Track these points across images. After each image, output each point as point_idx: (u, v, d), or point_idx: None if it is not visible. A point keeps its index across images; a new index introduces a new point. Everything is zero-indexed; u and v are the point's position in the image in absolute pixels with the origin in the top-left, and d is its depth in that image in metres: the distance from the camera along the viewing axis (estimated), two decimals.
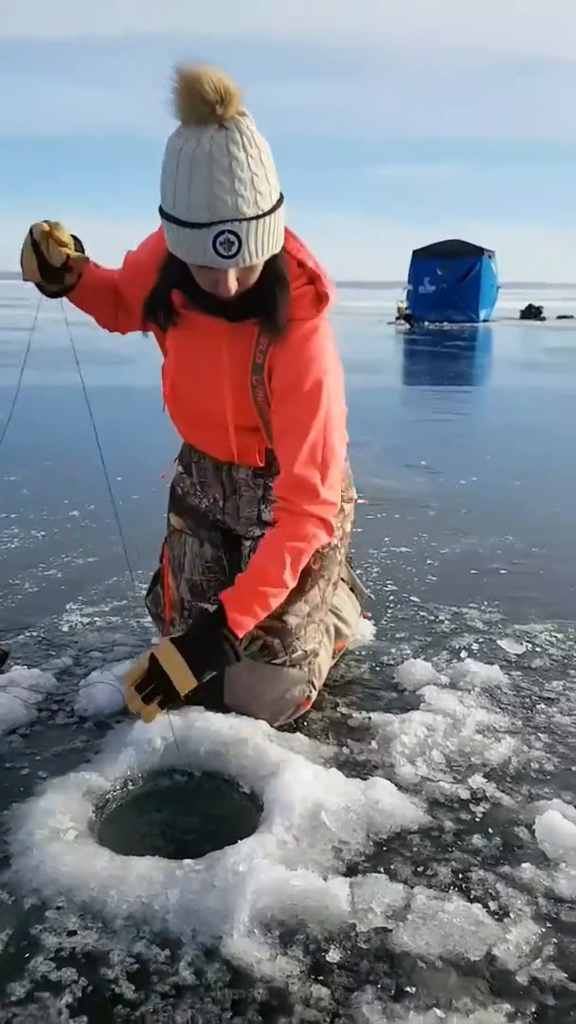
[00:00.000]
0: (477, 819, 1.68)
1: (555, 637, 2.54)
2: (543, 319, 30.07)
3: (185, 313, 1.84)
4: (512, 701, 2.15)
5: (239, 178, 1.50)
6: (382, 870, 1.50)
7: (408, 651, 2.43)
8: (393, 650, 2.44)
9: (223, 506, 2.13)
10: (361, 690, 2.22)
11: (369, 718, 2.03)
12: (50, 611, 2.68)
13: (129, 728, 1.87)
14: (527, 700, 2.16)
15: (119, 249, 1.98)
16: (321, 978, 1.27)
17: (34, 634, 2.51)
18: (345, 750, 1.91)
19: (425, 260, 25.64)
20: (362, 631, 2.52)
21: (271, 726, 1.93)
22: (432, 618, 2.69)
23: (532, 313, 30.58)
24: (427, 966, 1.30)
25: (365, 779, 1.74)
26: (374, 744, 1.92)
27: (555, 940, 1.37)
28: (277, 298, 1.72)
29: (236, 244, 1.55)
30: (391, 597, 2.87)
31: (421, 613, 2.73)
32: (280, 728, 1.96)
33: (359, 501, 2.28)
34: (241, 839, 1.53)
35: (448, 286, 25.13)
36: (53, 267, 1.68)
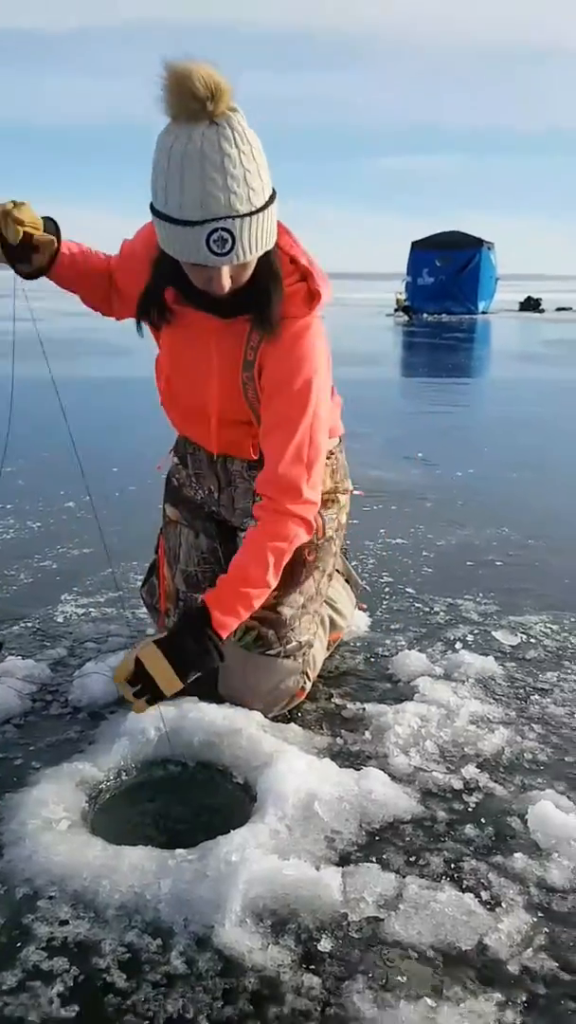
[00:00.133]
0: (470, 809, 1.68)
1: (550, 628, 2.54)
2: (542, 311, 30.00)
3: (178, 309, 1.83)
4: (506, 692, 2.15)
5: (232, 175, 1.49)
6: (374, 860, 1.51)
7: (403, 642, 2.43)
8: (388, 641, 2.44)
9: (218, 498, 2.13)
10: (355, 681, 2.22)
11: (363, 709, 2.04)
12: (45, 602, 2.68)
13: (123, 719, 1.87)
14: (521, 691, 2.16)
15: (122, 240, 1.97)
16: (312, 967, 1.28)
17: (29, 625, 2.51)
18: (339, 740, 1.91)
19: (424, 251, 25.55)
20: (357, 622, 2.52)
21: (265, 717, 1.93)
22: (427, 609, 2.69)
23: (531, 305, 30.51)
24: (418, 955, 1.30)
25: (358, 769, 1.74)
26: (368, 735, 1.92)
27: (546, 930, 1.37)
28: (270, 295, 1.71)
29: (230, 241, 1.54)
30: (387, 588, 2.87)
31: (416, 604, 2.73)
32: (274, 719, 1.96)
33: (355, 493, 2.28)
34: (234, 829, 1.53)
35: (447, 278, 25.05)
36: (12, 246, 1.64)
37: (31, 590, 2.81)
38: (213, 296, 1.67)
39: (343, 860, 1.50)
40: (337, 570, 2.32)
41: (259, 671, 1.98)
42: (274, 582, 1.82)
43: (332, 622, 2.27)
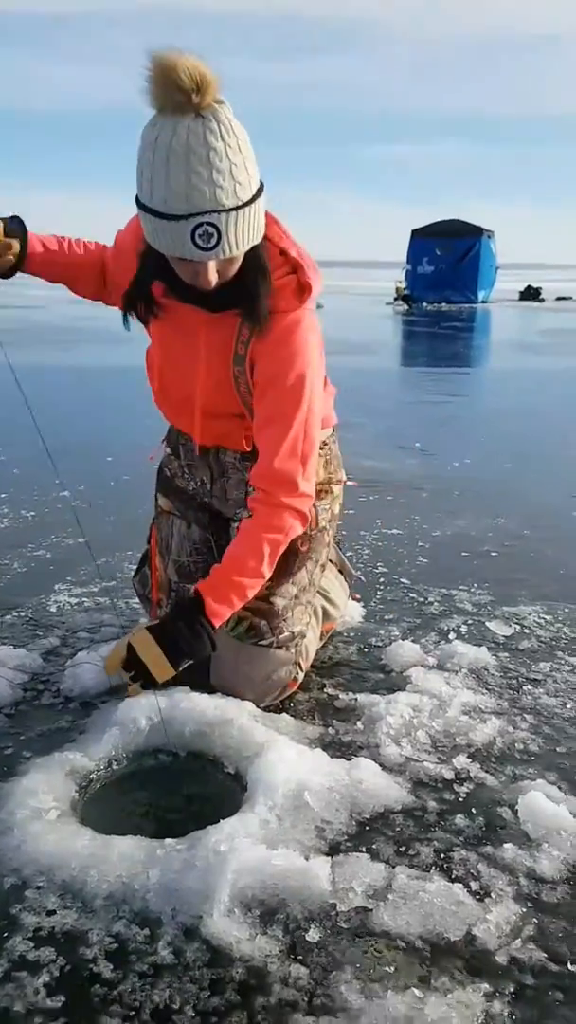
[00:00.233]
0: (460, 799, 1.68)
1: (544, 619, 2.54)
2: (542, 300, 29.91)
3: (167, 302, 1.81)
4: (499, 682, 2.15)
5: (217, 168, 1.47)
6: (364, 850, 1.51)
7: (396, 633, 2.43)
8: (381, 632, 2.44)
9: (210, 488, 2.12)
10: (348, 671, 2.22)
11: (355, 699, 2.03)
12: (38, 591, 2.67)
13: (114, 708, 1.86)
14: (514, 681, 2.16)
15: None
16: (300, 958, 1.28)
17: (21, 614, 2.51)
18: (331, 731, 1.91)
19: (424, 240, 25.47)
20: (351, 613, 2.51)
21: (257, 707, 1.93)
22: (421, 600, 2.69)
23: (531, 294, 30.40)
24: (406, 946, 1.30)
25: (350, 759, 1.74)
26: (359, 725, 1.92)
27: (535, 920, 1.37)
28: (258, 289, 1.70)
29: (215, 236, 1.52)
30: (381, 579, 2.86)
31: (411, 595, 2.73)
32: (266, 709, 1.95)
33: (348, 483, 2.27)
34: (224, 819, 1.52)
35: (447, 266, 24.97)
36: None
37: (24, 579, 2.80)
38: (200, 290, 1.66)
39: (332, 850, 1.50)
40: (330, 560, 2.31)
41: (251, 661, 1.97)
42: (268, 573, 1.82)
43: (325, 612, 2.26)
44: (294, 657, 2.03)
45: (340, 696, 2.06)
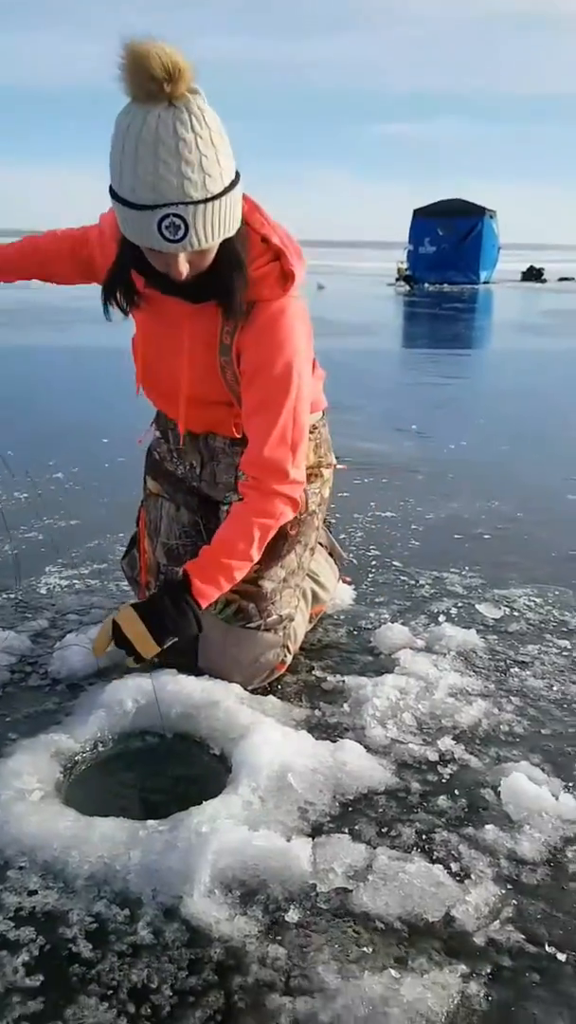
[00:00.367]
0: (444, 781, 1.68)
1: (533, 602, 2.53)
2: (544, 281, 29.71)
3: (148, 293, 1.80)
4: (486, 665, 2.15)
5: (186, 160, 1.45)
6: (346, 831, 1.51)
7: (386, 615, 2.42)
8: (371, 614, 2.44)
9: (200, 473, 2.11)
10: (337, 654, 2.22)
11: (343, 681, 2.04)
12: (29, 573, 2.67)
13: (101, 690, 1.87)
14: (501, 664, 2.16)
15: None
16: (279, 938, 1.28)
17: (11, 596, 2.51)
18: (317, 713, 1.91)
19: (426, 220, 25.26)
20: (342, 595, 2.51)
21: (245, 689, 1.93)
22: (412, 583, 2.68)
23: (533, 275, 30.20)
24: (385, 927, 1.31)
25: (335, 741, 1.75)
26: (346, 707, 1.92)
27: (514, 902, 1.38)
28: (233, 283, 1.68)
29: (182, 228, 1.50)
30: (373, 562, 2.86)
31: (402, 578, 2.72)
32: (253, 691, 1.96)
33: (338, 467, 2.26)
34: (208, 800, 1.53)
35: (449, 247, 24.78)
36: None
37: (15, 561, 2.79)
38: (176, 281, 1.64)
39: (314, 831, 1.51)
40: (320, 543, 2.30)
41: (239, 644, 1.97)
42: (257, 556, 1.83)
43: (314, 595, 2.26)
44: (282, 640, 2.03)
45: (327, 678, 2.07)
